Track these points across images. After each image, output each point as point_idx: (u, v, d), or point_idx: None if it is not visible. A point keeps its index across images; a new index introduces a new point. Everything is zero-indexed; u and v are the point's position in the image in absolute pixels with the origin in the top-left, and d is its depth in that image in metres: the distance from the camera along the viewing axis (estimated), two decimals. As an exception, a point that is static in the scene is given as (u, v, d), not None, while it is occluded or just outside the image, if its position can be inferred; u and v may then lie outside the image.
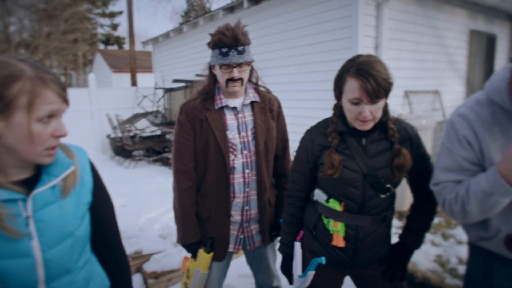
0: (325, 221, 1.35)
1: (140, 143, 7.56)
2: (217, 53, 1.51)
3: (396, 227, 3.44)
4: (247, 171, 1.61)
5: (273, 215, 1.77)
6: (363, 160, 1.25)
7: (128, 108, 8.73)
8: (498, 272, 1.19)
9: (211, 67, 1.63)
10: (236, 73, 1.50)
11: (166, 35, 7.93)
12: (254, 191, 1.65)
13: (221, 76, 1.54)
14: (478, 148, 1.09)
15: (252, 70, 1.69)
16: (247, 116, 1.64)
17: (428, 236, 3.23)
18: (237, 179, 1.61)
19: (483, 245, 1.21)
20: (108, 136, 8.11)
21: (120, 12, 29.85)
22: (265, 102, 1.68)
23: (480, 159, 1.10)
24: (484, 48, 6.06)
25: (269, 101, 1.70)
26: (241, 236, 1.71)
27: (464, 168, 1.11)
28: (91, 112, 8.30)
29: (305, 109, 4.53)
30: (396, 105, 4.40)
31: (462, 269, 2.66)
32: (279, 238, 1.79)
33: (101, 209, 1.06)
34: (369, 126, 1.21)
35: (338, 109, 1.31)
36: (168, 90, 7.07)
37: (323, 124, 1.37)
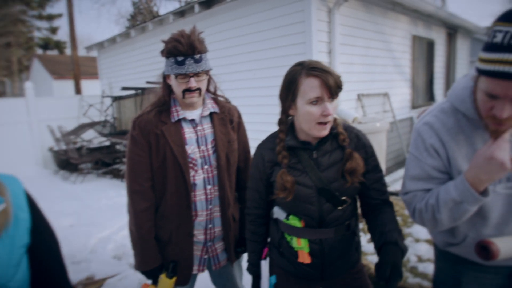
0: (288, 238, 1.30)
1: (87, 155, 7.05)
2: (172, 62, 1.40)
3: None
4: (209, 187, 1.52)
5: (238, 231, 1.68)
6: (316, 175, 1.22)
7: (72, 118, 8.14)
8: (466, 276, 1.22)
9: (165, 77, 1.51)
10: (193, 83, 1.41)
11: (113, 40, 7.51)
12: (217, 207, 1.56)
13: (177, 86, 1.44)
14: (445, 157, 1.10)
15: (210, 79, 1.60)
16: (206, 128, 1.55)
17: (388, 237, 3.31)
18: (199, 196, 1.51)
19: (451, 250, 1.23)
20: (51, 149, 7.49)
21: (60, 15, 27.99)
22: (225, 112, 1.60)
23: (448, 168, 1.11)
24: (424, 53, 6.46)
25: (229, 112, 1.62)
26: (205, 256, 1.61)
27: (433, 176, 1.11)
28: (30, 124, 7.61)
29: (262, 115, 4.48)
30: (350, 108, 4.51)
31: (422, 267, 2.73)
32: (245, 254, 1.72)
33: (42, 250, 0.88)
34: (327, 130, 1.19)
35: (285, 124, 1.28)
36: (116, 98, 6.68)
37: (271, 139, 1.32)
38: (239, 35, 4.57)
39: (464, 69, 8.84)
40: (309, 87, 1.14)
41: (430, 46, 6.63)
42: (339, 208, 1.24)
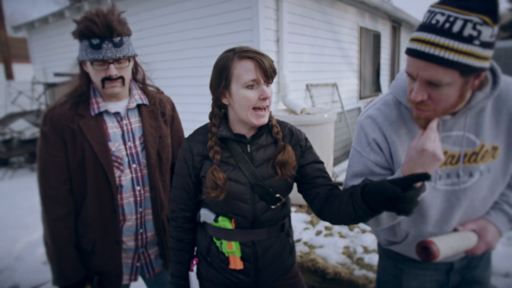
0: (218, 243, 1.19)
1: (19, 147, 6.38)
2: (86, 46, 1.21)
3: (306, 221, 3.47)
4: (138, 188, 1.36)
5: None
6: (250, 169, 1.14)
7: (-1, 107, 7.32)
8: (407, 274, 1.22)
9: (81, 64, 1.29)
10: (113, 70, 1.22)
11: (45, 20, 6.79)
12: (149, 210, 1.40)
13: (95, 74, 1.24)
14: (387, 151, 1.07)
15: (137, 67, 1.41)
16: (134, 122, 1.37)
17: (336, 228, 3.33)
18: (126, 198, 1.34)
19: (393, 249, 1.22)
20: (-27, 142, 6.67)
21: (-13, -9, 25.09)
22: (155, 104, 1.43)
23: (390, 163, 1.08)
24: (371, 44, 6.61)
25: (160, 103, 1.46)
26: (138, 264, 1.45)
27: (375, 172, 1.07)
28: None
29: (207, 105, 4.29)
30: (298, 98, 4.46)
31: (367, 258, 2.77)
32: None
33: None
34: (266, 117, 1.12)
35: (218, 118, 1.18)
36: (50, 85, 6.07)
37: (203, 131, 1.21)
38: (184, 19, 4.30)
39: (407, 61, 9.26)
40: (244, 69, 1.06)
41: (376, 38, 6.80)
42: (273, 207, 1.16)
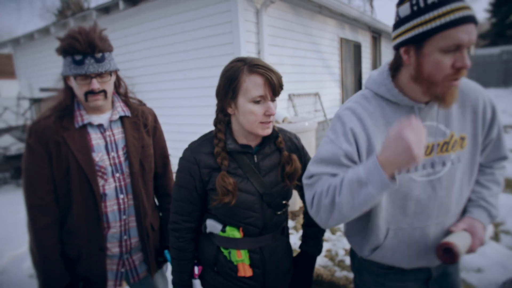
0: (226, 252, 1.21)
1: (4, 163, 6.33)
2: (69, 62, 1.27)
3: (290, 227, 3.56)
4: (121, 196, 1.41)
5: (158, 240, 1.59)
6: (258, 180, 1.16)
7: (-16, 123, 7.25)
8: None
9: (65, 78, 1.36)
10: (96, 84, 1.29)
11: (30, 36, 6.84)
12: (132, 217, 1.45)
13: (78, 88, 1.31)
14: (364, 142, 1.04)
15: (119, 80, 1.49)
16: (117, 133, 1.43)
17: (318, 232, 3.42)
18: (110, 206, 1.39)
19: (375, 258, 1.18)
20: (-42, 159, 6.60)
21: (-29, 7, 24.90)
22: (138, 116, 1.50)
23: (363, 156, 1.04)
24: (352, 55, 6.83)
25: (142, 115, 1.52)
26: (122, 270, 1.50)
27: (342, 163, 1.03)
28: None
29: (192, 116, 4.38)
30: (281, 108, 4.59)
31: (348, 260, 2.86)
32: (168, 263, 1.63)
33: None
34: (271, 128, 1.14)
35: (223, 124, 1.19)
36: (35, 101, 6.09)
37: (206, 143, 1.20)
38: (167, 34, 4.42)
39: (388, 70, 9.52)
40: (253, 84, 1.07)
41: (357, 48, 7.02)
42: (279, 213, 1.21)
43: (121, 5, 4.63)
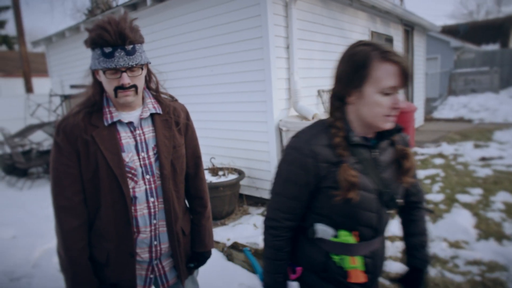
0: (336, 259, 1.11)
1: (37, 158, 6.54)
2: (98, 54, 1.19)
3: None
4: (151, 199, 1.33)
5: (189, 245, 1.52)
6: (377, 176, 1.06)
7: (19, 119, 7.53)
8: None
9: (94, 73, 1.29)
10: (126, 79, 1.20)
11: (62, 34, 7.00)
12: (163, 221, 1.37)
13: (108, 83, 1.23)
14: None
15: (150, 75, 1.40)
16: (147, 132, 1.34)
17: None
18: (140, 210, 1.31)
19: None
20: (-5, 153, 6.88)
21: (7, 7, 26.00)
22: (169, 113, 1.40)
23: None
24: (383, 49, 6.55)
25: (174, 112, 1.42)
26: (151, 276, 1.43)
27: None
28: (-31, 126, 6.94)
29: (217, 113, 4.31)
30: (310, 104, 4.45)
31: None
32: (200, 269, 1.57)
33: None
34: (393, 123, 1.05)
35: (341, 112, 1.08)
36: (66, 97, 6.23)
37: (322, 133, 1.07)
38: (194, 29, 4.36)
39: (421, 66, 9.13)
40: (386, 74, 0.97)
41: (388, 42, 6.74)
42: (390, 212, 1.13)
43: (149, 1, 4.62)
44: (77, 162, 1.25)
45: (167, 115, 1.39)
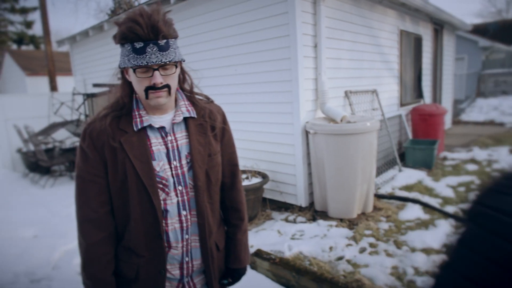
0: None
1: (60, 156, 6.60)
2: (128, 50, 1.06)
3: (348, 237, 3.23)
4: (184, 213, 1.20)
5: (222, 261, 1.38)
6: None
7: (43, 117, 7.63)
8: None
9: (123, 71, 1.17)
10: (158, 78, 1.08)
11: (85, 34, 7.03)
12: (195, 236, 1.24)
13: (138, 83, 1.10)
14: None
15: (184, 74, 1.27)
16: (180, 138, 1.21)
17: (382, 245, 3.07)
18: (171, 225, 1.19)
19: None
20: (19, 151, 6.99)
21: (35, 8, 26.79)
22: (204, 117, 1.26)
23: None
24: (412, 48, 6.27)
25: (210, 115, 1.28)
26: None
27: None
28: (-4, 123, 7.08)
29: (241, 113, 4.18)
30: (337, 106, 4.25)
31: (420, 281, 2.50)
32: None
33: None
34: None
35: None
36: (89, 96, 6.24)
37: None
38: (219, 28, 4.24)
39: (450, 67, 8.74)
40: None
41: (417, 41, 6.45)
42: None
43: (172, -1, 4.54)
44: (104, 171, 1.15)
45: (202, 119, 1.26)
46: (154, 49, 1.04)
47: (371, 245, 3.09)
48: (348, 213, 3.65)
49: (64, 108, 7.67)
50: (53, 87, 12.13)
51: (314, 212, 3.87)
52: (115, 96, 1.19)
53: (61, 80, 15.78)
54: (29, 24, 27.87)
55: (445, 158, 6.02)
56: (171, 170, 1.18)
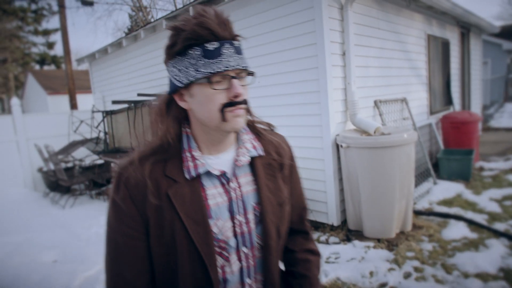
0: None
1: (80, 175, 6.53)
2: (196, 57, 0.78)
3: (389, 260, 2.93)
4: (248, 281, 0.92)
5: None
6: None
7: (63, 136, 7.62)
8: None
9: (171, 101, 0.89)
10: (239, 87, 0.80)
11: (104, 51, 7.04)
12: None
13: (210, 101, 0.80)
14: None
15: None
16: (245, 184, 0.92)
17: (428, 270, 2.76)
18: None
19: None
20: (40, 170, 6.96)
21: (56, 30, 27.75)
22: (270, 153, 0.97)
23: None
24: (440, 53, 5.98)
25: (277, 150, 0.99)
26: None
27: None
28: (17, 143, 7.10)
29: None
30: (367, 116, 4.00)
31: (481, 315, 2.19)
32: None
33: None
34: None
35: None
36: (108, 113, 6.18)
37: None
38: (245, 38, 4.07)
39: (478, 71, 8.36)
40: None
41: (445, 46, 6.15)
42: None
43: (191, 11, 4.42)
44: (145, 231, 0.86)
45: (270, 157, 0.97)
46: (231, 50, 0.80)
47: (416, 269, 2.79)
48: (386, 232, 3.35)
49: (83, 126, 7.66)
50: (73, 105, 12.29)
51: (347, 231, 3.59)
52: (158, 136, 0.88)
53: (81, 98, 16.03)
54: (51, 45, 28.83)
55: (481, 169, 5.63)
56: (234, 228, 0.90)
